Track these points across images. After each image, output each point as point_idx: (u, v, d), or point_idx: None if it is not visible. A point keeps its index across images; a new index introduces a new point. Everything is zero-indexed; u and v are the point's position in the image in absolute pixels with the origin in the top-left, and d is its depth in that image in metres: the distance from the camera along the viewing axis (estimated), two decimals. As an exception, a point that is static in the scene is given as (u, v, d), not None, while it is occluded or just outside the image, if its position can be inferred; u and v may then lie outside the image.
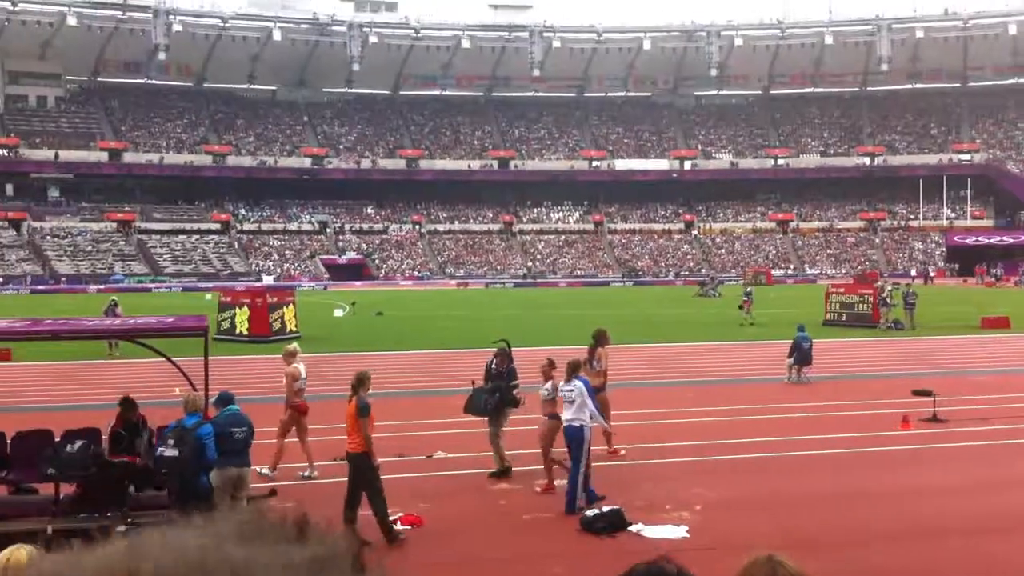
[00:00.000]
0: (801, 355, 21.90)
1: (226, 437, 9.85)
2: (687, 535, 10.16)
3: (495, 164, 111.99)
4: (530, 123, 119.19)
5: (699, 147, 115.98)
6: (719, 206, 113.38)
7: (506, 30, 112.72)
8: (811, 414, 17.90)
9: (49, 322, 12.61)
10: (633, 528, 10.30)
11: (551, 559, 9.55)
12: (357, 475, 10.25)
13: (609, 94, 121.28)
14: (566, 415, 11.48)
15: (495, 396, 13.04)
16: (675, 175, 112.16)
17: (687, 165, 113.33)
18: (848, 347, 29.87)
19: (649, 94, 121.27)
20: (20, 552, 3.87)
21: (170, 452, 9.06)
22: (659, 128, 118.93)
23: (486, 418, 13.25)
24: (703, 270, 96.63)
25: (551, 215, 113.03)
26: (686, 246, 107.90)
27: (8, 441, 11.20)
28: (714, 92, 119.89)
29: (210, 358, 11.25)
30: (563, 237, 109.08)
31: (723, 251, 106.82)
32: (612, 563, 9.27)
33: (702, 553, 9.72)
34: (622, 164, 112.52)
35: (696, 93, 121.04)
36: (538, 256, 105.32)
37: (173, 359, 11.14)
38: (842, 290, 40.13)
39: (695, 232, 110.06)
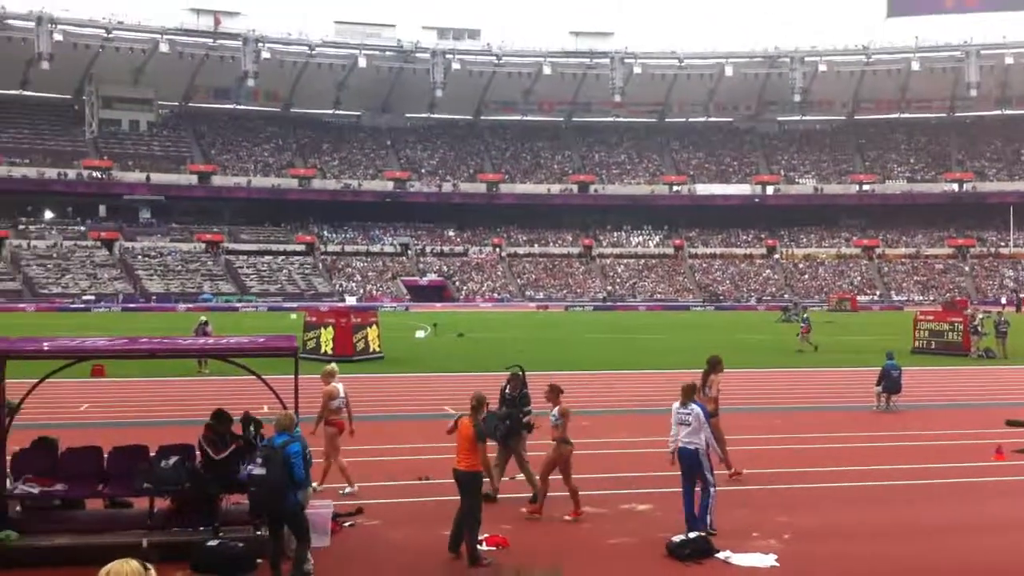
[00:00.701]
0: (890, 383, 21.48)
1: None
2: (776, 564, 10.03)
3: (575, 188, 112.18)
4: (610, 148, 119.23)
5: (782, 172, 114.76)
6: (802, 231, 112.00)
7: (587, 56, 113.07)
8: (901, 443, 17.53)
9: (146, 341, 12.97)
10: (721, 555, 10.20)
11: (638, 584, 9.49)
12: (462, 492, 10.41)
13: (690, 119, 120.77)
14: (679, 437, 11.37)
15: (505, 423, 12.90)
16: (757, 200, 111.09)
17: (769, 190, 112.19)
18: (938, 376, 29.19)
19: (731, 119, 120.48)
20: (127, 565, 3.92)
21: (258, 470, 9.22)
22: (741, 153, 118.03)
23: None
24: (786, 295, 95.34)
25: (631, 239, 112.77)
26: (768, 271, 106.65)
27: (105, 456, 11.48)
28: (797, 117, 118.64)
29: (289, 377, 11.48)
30: (643, 261, 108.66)
31: (806, 276, 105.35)
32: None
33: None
34: (703, 189, 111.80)
35: (779, 118, 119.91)
36: (618, 280, 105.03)
37: (264, 377, 11.36)
38: (931, 318, 39.16)
39: (777, 257, 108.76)
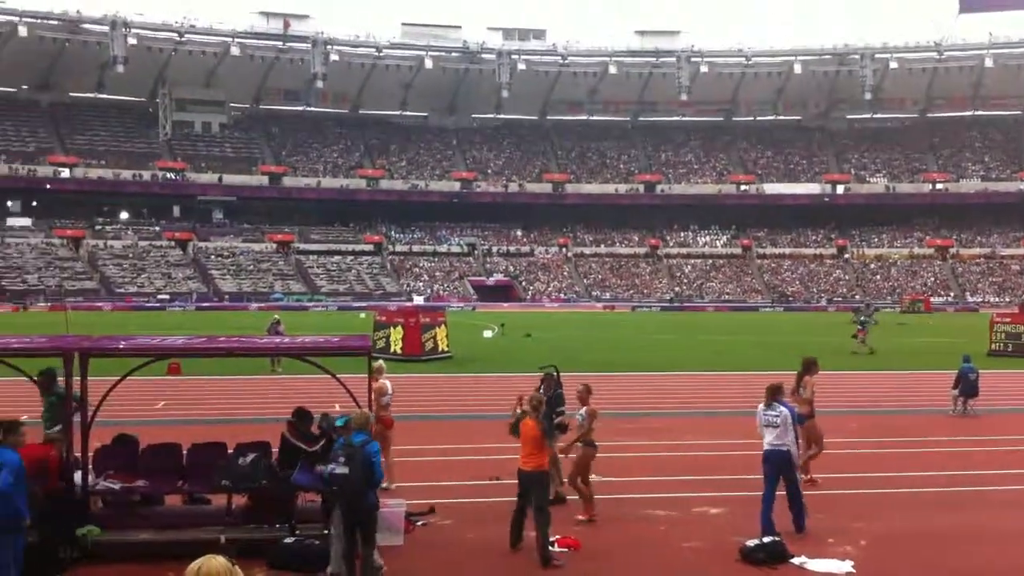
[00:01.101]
0: (967, 387, 21.04)
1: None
2: (852, 570, 9.89)
3: (641, 188, 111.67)
4: (677, 147, 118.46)
5: (852, 171, 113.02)
6: (873, 231, 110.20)
7: (653, 56, 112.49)
8: (978, 448, 17.17)
9: (223, 339, 13.16)
10: (795, 561, 10.07)
11: (712, 588, 9.43)
12: (532, 492, 10.45)
13: (758, 118, 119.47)
14: (769, 439, 11.29)
15: None
16: (827, 199, 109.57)
17: (839, 189, 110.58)
18: (1017, 379, 28.52)
19: (799, 118, 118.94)
20: (214, 561, 3.95)
21: (340, 469, 9.27)
22: (810, 152, 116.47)
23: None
24: (857, 296, 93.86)
25: (698, 239, 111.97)
26: (838, 271, 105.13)
27: (184, 452, 11.68)
28: (868, 115, 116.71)
29: (362, 376, 11.61)
30: (710, 261, 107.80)
31: (878, 277, 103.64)
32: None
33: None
34: (771, 188, 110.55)
35: (849, 116, 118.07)
36: (685, 280, 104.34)
37: (338, 376, 11.48)
38: (1008, 319, 38.25)
39: (848, 257, 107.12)
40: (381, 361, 14.10)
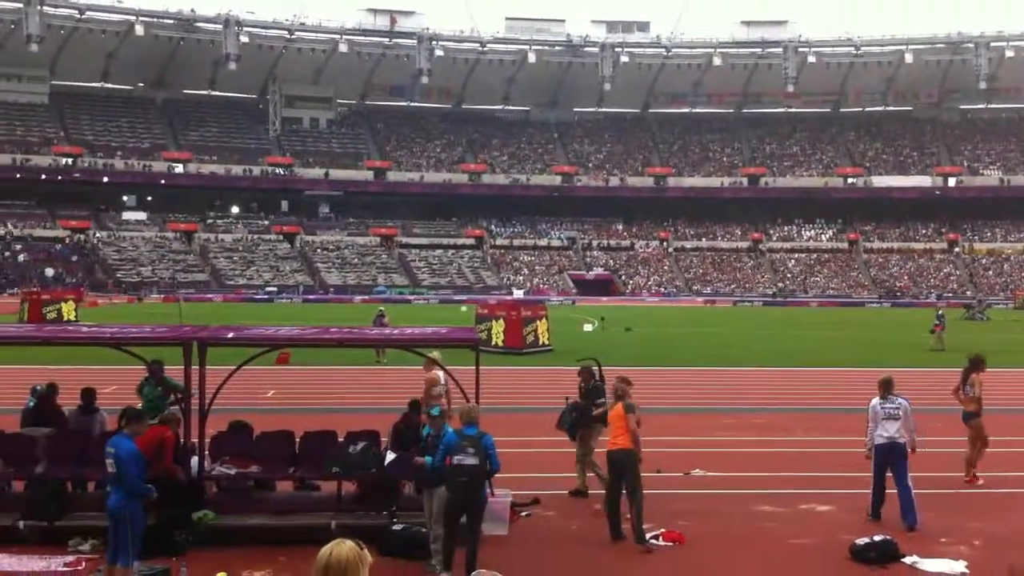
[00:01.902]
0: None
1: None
2: (966, 571, 9.67)
3: (745, 181, 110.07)
4: (782, 139, 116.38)
5: (965, 163, 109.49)
6: (986, 225, 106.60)
7: (759, 46, 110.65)
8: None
9: (335, 330, 13.49)
10: (907, 560, 9.88)
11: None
12: (623, 472, 10.60)
13: (867, 109, 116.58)
14: (890, 431, 11.41)
15: (573, 415, 12.78)
16: (938, 192, 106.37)
17: (951, 182, 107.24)
18: None
19: (910, 108, 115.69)
20: (343, 547, 3.97)
21: (470, 460, 9.36)
22: (921, 143, 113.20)
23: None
24: (968, 292, 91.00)
25: (802, 233, 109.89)
26: (949, 266, 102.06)
27: (297, 440, 11.99)
28: (982, 105, 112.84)
29: (466, 368, 11.76)
30: (815, 255, 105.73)
31: (990, 272, 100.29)
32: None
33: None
34: (879, 181, 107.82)
35: (962, 107, 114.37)
36: (788, 275, 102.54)
37: (446, 368, 11.65)
38: None
39: (958, 252, 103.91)
40: (438, 352, 14.06)
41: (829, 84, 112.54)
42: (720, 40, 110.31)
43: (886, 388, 11.60)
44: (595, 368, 13.48)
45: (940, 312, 37.91)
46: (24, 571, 9.52)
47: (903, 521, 11.09)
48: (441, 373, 13.68)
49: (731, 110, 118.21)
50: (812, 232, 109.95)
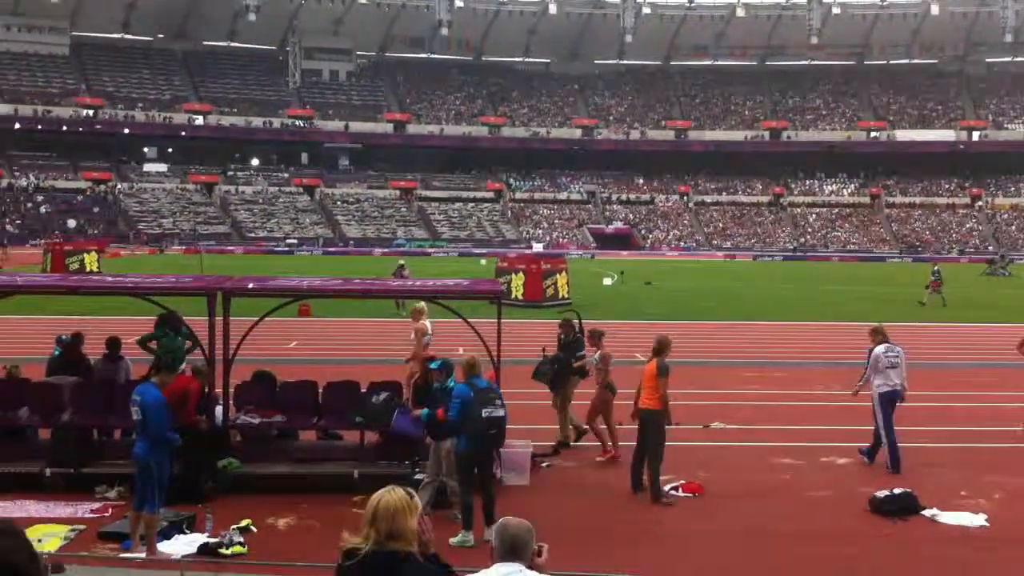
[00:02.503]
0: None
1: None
2: (986, 523, 9.70)
3: (766, 135, 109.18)
4: (805, 92, 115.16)
5: (990, 117, 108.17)
6: (1010, 180, 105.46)
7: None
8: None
9: (358, 281, 13.54)
10: (927, 513, 9.92)
11: (840, 539, 9.34)
12: (647, 431, 10.64)
13: (891, 62, 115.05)
14: (894, 380, 11.77)
15: (554, 367, 12.96)
16: (962, 146, 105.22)
17: (975, 136, 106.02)
18: None
19: (935, 61, 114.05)
20: (395, 493, 4.01)
21: (499, 412, 9.41)
22: (945, 97, 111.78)
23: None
24: (990, 247, 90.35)
25: (824, 187, 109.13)
26: (971, 221, 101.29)
27: (320, 391, 12.09)
28: (1008, 59, 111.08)
29: (485, 320, 11.79)
30: (836, 210, 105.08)
31: (1013, 228, 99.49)
32: (905, 548, 9.05)
33: (1004, 544, 9.30)
34: (903, 135, 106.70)
35: (988, 60, 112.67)
36: (809, 229, 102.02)
37: (469, 320, 11.67)
38: None
39: (981, 206, 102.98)
40: (423, 303, 13.86)
41: (853, 36, 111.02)
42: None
43: (884, 336, 12.01)
44: (575, 322, 13.66)
45: (936, 268, 37.46)
46: (51, 517, 9.68)
47: (890, 467, 11.56)
48: (429, 323, 13.67)
49: (754, 63, 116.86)
50: (834, 186, 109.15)
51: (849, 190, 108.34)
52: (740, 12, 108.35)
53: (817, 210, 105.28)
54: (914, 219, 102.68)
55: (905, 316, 30.39)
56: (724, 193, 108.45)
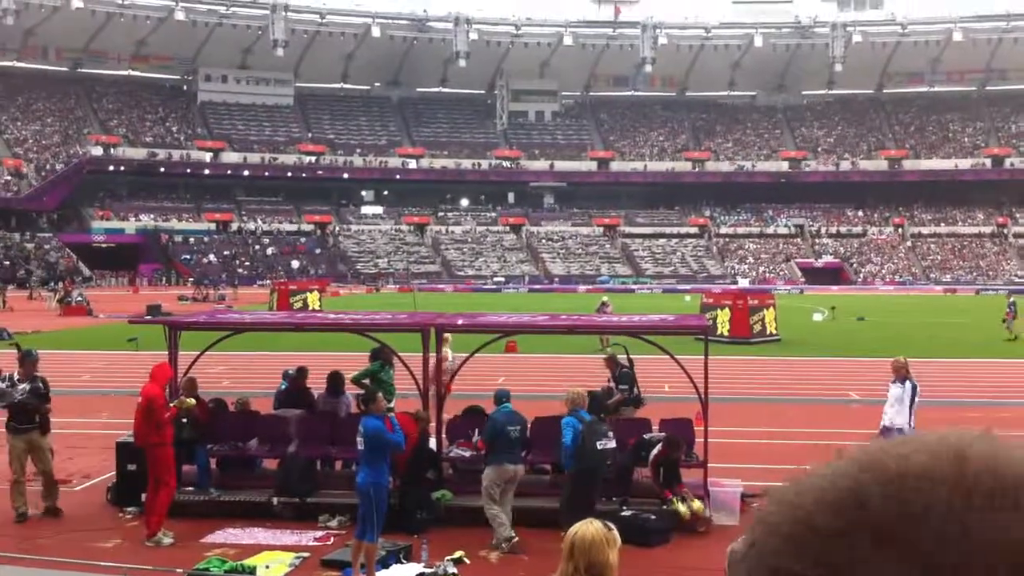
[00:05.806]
0: None
1: (503, 434, 10.33)
2: None
3: (988, 162, 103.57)
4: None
5: None
6: None
7: (1004, 19, 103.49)
8: None
9: (565, 317, 13.84)
10: None
11: None
12: None
13: None
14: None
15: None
16: None
17: None
18: None
19: None
20: (590, 527, 4.09)
21: (611, 444, 9.53)
22: None
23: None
24: None
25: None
26: None
27: (528, 424, 12.36)
28: None
29: (690, 357, 11.78)
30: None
31: None
32: None
33: None
34: None
35: None
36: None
37: (675, 356, 11.72)
38: None
39: None
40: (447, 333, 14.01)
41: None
42: (961, 15, 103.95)
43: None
44: (621, 356, 13.79)
45: (1012, 300, 34.71)
46: (278, 545, 10.28)
47: None
48: (450, 351, 13.78)
49: (973, 88, 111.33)
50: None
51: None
52: (957, 36, 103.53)
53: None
54: None
55: None
56: (942, 224, 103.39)
